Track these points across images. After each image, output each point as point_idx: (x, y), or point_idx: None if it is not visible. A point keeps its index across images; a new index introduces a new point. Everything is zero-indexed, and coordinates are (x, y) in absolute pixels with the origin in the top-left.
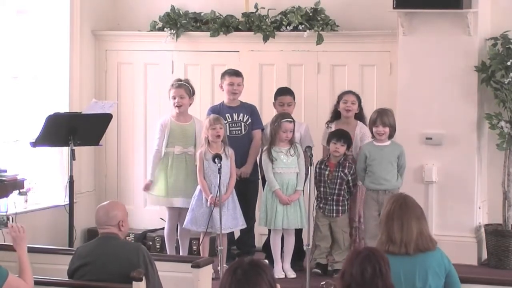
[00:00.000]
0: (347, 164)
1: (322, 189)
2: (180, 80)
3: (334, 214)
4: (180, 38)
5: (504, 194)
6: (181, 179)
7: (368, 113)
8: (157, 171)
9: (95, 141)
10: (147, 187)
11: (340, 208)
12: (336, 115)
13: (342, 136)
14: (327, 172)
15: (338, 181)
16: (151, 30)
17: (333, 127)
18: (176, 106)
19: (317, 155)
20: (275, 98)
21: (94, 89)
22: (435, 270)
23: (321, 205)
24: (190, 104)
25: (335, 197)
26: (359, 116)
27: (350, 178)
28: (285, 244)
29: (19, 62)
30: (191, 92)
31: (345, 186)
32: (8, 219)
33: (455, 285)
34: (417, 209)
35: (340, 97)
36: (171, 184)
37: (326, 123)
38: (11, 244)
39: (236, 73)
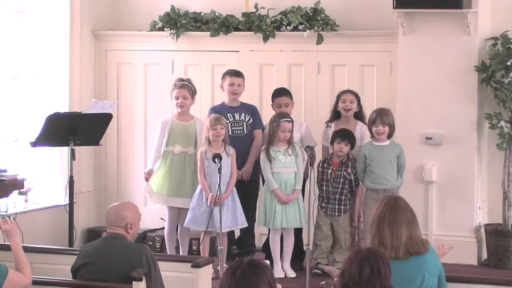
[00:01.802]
0: (350, 163)
1: (324, 188)
2: (183, 80)
3: (336, 214)
4: (180, 38)
5: (504, 194)
6: (180, 179)
7: (367, 113)
8: (157, 170)
9: (95, 141)
10: (148, 176)
11: (342, 207)
12: (335, 114)
13: (346, 136)
14: (330, 171)
15: (341, 180)
16: (151, 30)
17: (332, 127)
18: (179, 106)
19: (319, 155)
20: (272, 100)
21: (94, 89)
22: (430, 270)
23: (323, 204)
24: (191, 104)
25: (337, 196)
26: (359, 115)
27: (352, 178)
28: (284, 244)
29: (19, 62)
30: (193, 92)
31: (348, 186)
32: (3, 217)
33: (443, 285)
34: (408, 213)
35: (338, 97)
36: (170, 184)
37: (326, 122)
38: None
39: (237, 74)
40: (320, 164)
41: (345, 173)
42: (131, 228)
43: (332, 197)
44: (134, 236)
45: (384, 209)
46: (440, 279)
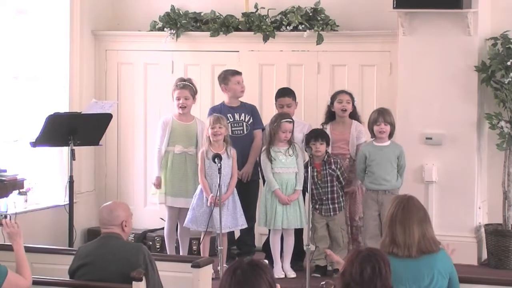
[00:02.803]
0: (332, 160)
1: (314, 191)
2: (184, 80)
3: (332, 213)
4: (180, 38)
5: (504, 194)
6: (182, 179)
7: (368, 113)
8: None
9: (95, 141)
10: (158, 184)
11: (337, 206)
12: (330, 115)
13: (319, 135)
14: (315, 173)
15: (328, 178)
16: (151, 30)
17: (328, 128)
18: (180, 107)
19: None
20: (275, 100)
21: (94, 89)
22: (440, 271)
23: (317, 206)
24: (193, 104)
25: (329, 195)
26: (353, 115)
27: (338, 173)
28: (284, 244)
29: (19, 62)
30: (194, 93)
31: (336, 182)
32: (5, 217)
33: (456, 285)
34: (420, 212)
35: (334, 97)
36: (170, 184)
37: (322, 124)
38: (11, 244)
39: (237, 72)
40: (304, 170)
41: (330, 171)
42: (125, 225)
43: (324, 198)
44: (128, 234)
45: (396, 208)
46: (452, 281)
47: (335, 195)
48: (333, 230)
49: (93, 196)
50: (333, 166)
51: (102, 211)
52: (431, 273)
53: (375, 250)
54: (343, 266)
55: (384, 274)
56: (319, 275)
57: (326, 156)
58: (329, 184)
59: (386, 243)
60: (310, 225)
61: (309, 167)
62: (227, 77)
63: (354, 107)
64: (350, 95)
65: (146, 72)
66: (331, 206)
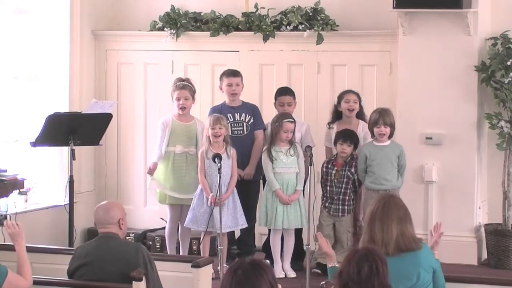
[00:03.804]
0: (353, 163)
1: (328, 188)
2: (183, 80)
3: (340, 214)
4: (180, 38)
5: (504, 194)
6: (183, 179)
7: (367, 113)
8: (159, 170)
9: (95, 141)
10: (153, 169)
11: (346, 207)
12: (337, 115)
13: (348, 137)
14: (334, 172)
15: (345, 180)
16: (151, 30)
17: (335, 128)
18: (180, 108)
19: (318, 155)
20: (275, 98)
21: (94, 89)
22: (424, 267)
23: (327, 204)
24: (192, 104)
25: (341, 196)
26: (360, 115)
27: (356, 178)
28: (285, 244)
29: (19, 62)
30: (193, 92)
31: (351, 186)
32: (5, 217)
33: (440, 279)
34: (400, 210)
35: (341, 97)
36: (171, 183)
37: (328, 123)
38: (11, 244)
39: (233, 73)
40: (325, 165)
41: (348, 173)
42: (122, 224)
43: (335, 198)
44: (125, 233)
45: (377, 206)
46: (436, 273)
47: (347, 197)
48: (338, 231)
49: (93, 196)
50: (352, 170)
51: (98, 211)
52: (417, 271)
53: (372, 249)
54: (341, 266)
55: (381, 273)
56: (319, 271)
57: (349, 158)
58: (343, 185)
59: (365, 241)
60: (312, 223)
61: (310, 166)
62: (222, 77)
63: (360, 106)
64: (357, 95)
65: (146, 72)
66: (340, 207)
